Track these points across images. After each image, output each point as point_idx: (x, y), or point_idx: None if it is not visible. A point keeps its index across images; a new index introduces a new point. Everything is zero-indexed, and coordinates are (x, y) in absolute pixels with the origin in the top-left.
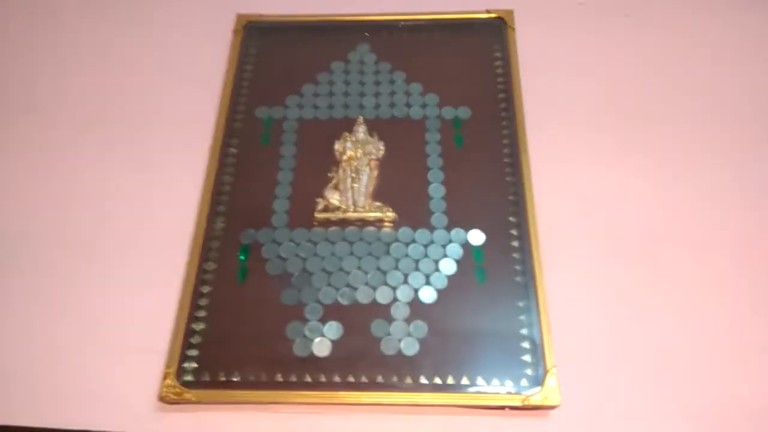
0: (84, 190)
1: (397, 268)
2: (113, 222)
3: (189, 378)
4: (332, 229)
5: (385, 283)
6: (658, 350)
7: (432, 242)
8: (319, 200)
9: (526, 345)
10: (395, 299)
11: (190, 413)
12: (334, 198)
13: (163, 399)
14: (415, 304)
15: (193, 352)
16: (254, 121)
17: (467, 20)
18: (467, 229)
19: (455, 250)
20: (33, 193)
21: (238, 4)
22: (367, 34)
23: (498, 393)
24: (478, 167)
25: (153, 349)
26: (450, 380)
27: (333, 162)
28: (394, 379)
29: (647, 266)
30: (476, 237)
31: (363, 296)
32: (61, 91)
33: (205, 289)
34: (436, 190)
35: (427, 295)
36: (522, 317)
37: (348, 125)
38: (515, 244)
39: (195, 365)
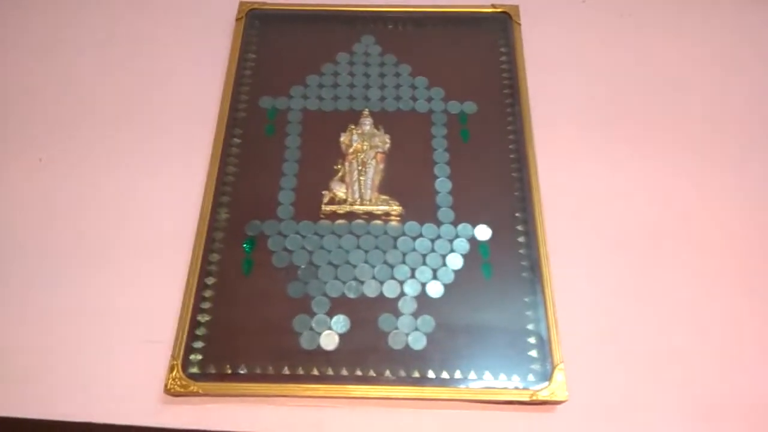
0: (88, 182)
1: (404, 262)
2: (118, 214)
3: (195, 370)
4: (339, 221)
5: (393, 277)
6: (666, 346)
7: (439, 237)
8: (325, 193)
9: (532, 340)
10: (403, 293)
11: (196, 405)
12: (340, 191)
13: (169, 391)
14: (423, 298)
15: (199, 344)
16: (258, 111)
17: (473, 14)
18: (474, 224)
19: (462, 245)
20: (41, 186)
21: None
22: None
23: (505, 388)
24: (485, 162)
25: (159, 341)
26: (457, 375)
27: (338, 154)
28: (402, 373)
29: (654, 262)
30: (483, 232)
31: (370, 290)
32: (63, 82)
33: (210, 281)
34: (443, 185)
35: (435, 289)
36: (529, 312)
37: (353, 117)
38: (522, 239)
39: (201, 357)
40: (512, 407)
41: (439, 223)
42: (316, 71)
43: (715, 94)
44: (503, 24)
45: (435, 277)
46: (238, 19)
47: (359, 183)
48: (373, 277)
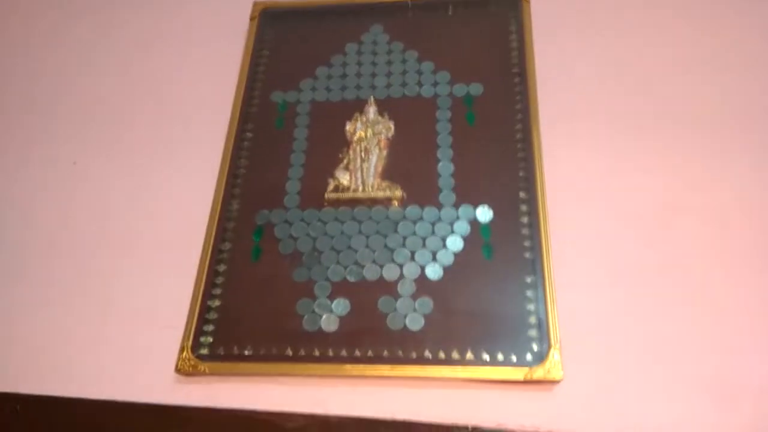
0: (108, 174)
1: (404, 245)
2: (137, 207)
3: (204, 351)
4: (342, 208)
5: (392, 261)
6: (662, 328)
7: (440, 219)
8: (330, 180)
9: (532, 320)
10: (402, 276)
11: (205, 384)
12: (344, 178)
13: (179, 371)
14: (421, 280)
15: (209, 327)
16: (269, 105)
17: None
18: (475, 205)
19: (463, 227)
20: (64, 181)
21: None
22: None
23: (502, 367)
24: (489, 144)
25: (171, 324)
26: (455, 354)
27: (344, 143)
28: (399, 353)
29: (656, 244)
30: (484, 214)
31: (370, 273)
32: (81, 81)
33: (221, 268)
34: (445, 168)
35: (433, 271)
36: (529, 293)
37: (360, 106)
38: (524, 220)
39: (210, 339)
40: (509, 386)
41: (440, 206)
42: (325, 63)
43: (724, 76)
44: (513, 2)
45: (434, 260)
46: (251, 19)
47: (362, 170)
48: (374, 261)
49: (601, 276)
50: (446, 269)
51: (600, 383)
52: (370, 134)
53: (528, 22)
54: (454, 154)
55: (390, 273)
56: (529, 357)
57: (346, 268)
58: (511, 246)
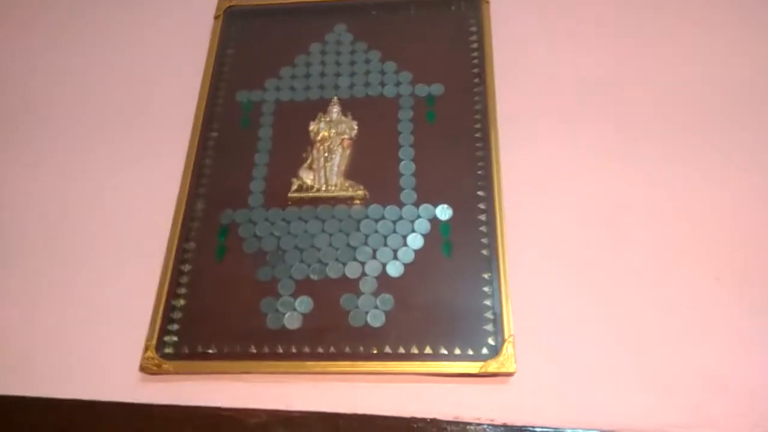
0: (70, 173)
1: (366, 243)
2: (98, 204)
3: (169, 350)
4: (305, 207)
5: (355, 259)
6: (613, 322)
7: (401, 218)
8: (294, 180)
9: (489, 315)
10: (364, 274)
11: (169, 383)
12: (308, 178)
13: (143, 370)
14: (383, 278)
15: (174, 327)
16: (234, 104)
17: None
18: (435, 204)
19: (423, 225)
20: (25, 182)
21: None
22: None
23: (459, 362)
24: (449, 142)
25: (137, 325)
26: (414, 349)
27: (308, 142)
28: (361, 349)
29: (608, 242)
30: (444, 212)
31: (333, 271)
32: (44, 80)
33: (186, 268)
34: (407, 167)
35: (395, 269)
36: (486, 289)
37: (324, 106)
38: (482, 217)
39: (175, 338)
40: (465, 380)
41: (401, 205)
42: (290, 63)
43: (682, 75)
44: (473, 3)
45: (395, 258)
46: (216, 17)
47: (325, 169)
48: (336, 259)
49: (555, 272)
50: (407, 266)
51: (553, 376)
52: (333, 134)
53: (487, 22)
54: (415, 154)
55: (352, 271)
56: (485, 351)
57: (309, 266)
58: (470, 243)
